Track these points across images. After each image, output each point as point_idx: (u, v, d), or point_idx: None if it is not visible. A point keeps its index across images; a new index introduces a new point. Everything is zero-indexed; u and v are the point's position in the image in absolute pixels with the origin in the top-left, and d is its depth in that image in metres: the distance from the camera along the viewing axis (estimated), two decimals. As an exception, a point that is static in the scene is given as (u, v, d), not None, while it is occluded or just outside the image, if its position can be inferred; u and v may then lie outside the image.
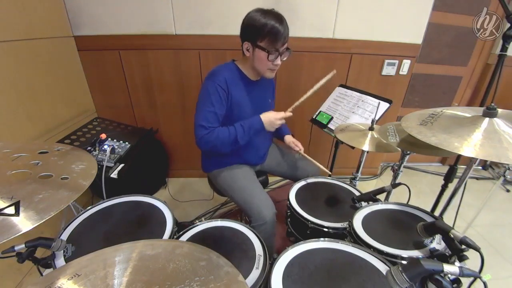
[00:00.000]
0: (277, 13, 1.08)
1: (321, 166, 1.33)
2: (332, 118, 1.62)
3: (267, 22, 1.03)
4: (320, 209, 1.16)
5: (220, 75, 1.13)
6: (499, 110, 0.80)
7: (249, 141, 1.19)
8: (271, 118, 1.17)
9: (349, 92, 1.68)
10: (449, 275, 0.62)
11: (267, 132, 1.21)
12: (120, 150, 1.62)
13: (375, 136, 1.23)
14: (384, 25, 1.89)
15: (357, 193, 1.25)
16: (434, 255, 0.80)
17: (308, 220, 1.07)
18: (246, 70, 1.21)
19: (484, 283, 0.61)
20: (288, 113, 1.19)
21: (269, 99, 1.37)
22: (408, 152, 1.19)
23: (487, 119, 0.79)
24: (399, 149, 1.16)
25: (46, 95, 1.60)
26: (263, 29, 1.04)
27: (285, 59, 1.15)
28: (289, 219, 1.23)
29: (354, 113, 1.54)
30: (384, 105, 1.43)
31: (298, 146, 1.42)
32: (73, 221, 0.96)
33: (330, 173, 1.36)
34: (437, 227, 0.78)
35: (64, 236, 0.89)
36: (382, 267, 0.77)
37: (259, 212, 1.15)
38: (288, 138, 1.48)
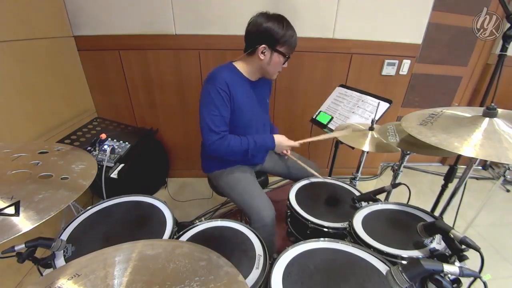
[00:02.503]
0: (289, 22, 1.13)
1: (310, 170, 1.34)
2: (332, 118, 1.62)
3: (289, 32, 1.11)
4: (320, 209, 1.16)
5: (220, 78, 1.12)
6: (499, 110, 0.80)
7: None
8: (282, 143, 1.28)
9: (349, 92, 1.67)
10: (449, 275, 0.62)
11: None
12: (120, 150, 1.62)
13: (375, 136, 1.23)
14: (384, 25, 1.89)
15: (357, 193, 1.25)
16: (434, 255, 0.80)
17: (308, 220, 1.07)
18: (245, 71, 1.21)
19: (484, 283, 0.61)
20: (297, 144, 1.31)
21: (266, 99, 1.38)
22: (408, 152, 1.19)
23: (487, 119, 0.79)
24: (399, 149, 1.16)
25: (46, 95, 1.60)
26: (284, 37, 1.10)
27: None
28: (289, 219, 1.23)
29: (354, 113, 1.54)
30: (384, 105, 1.43)
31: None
32: (73, 221, 0.96)
33: (318, 175, 1.35)
34: (437, 227, 0.78)
35: (64, 236, 0.89)
36: (382, 267, 0.77)
37: (259, 214, 1.15)
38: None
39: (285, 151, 1.38)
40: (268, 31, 1.09)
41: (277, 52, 1.13)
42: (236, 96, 1.16)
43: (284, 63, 1.18)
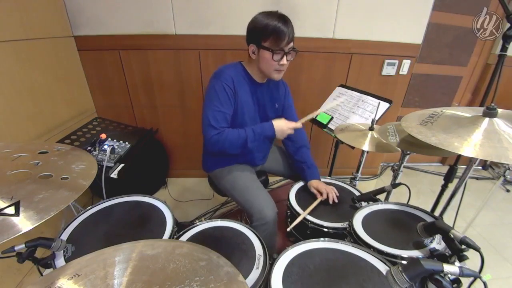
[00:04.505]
0: (280, 13, 1.09)
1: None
2: (332, 118, 1.62)
3: (270, 23, 1.04)
4: (320, 209, 1.16)
5: (227, 75, 1.13)
6: (499, 110, 0.80)
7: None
8: (282, 127, 1.16)
9: (349, 92, 1.67)
10: (449, 275, 0.62)
11: (276, 140, 1.21)
12: (120, 150, 1.62)
13: (375, 136, 1.23)
14: (384, 25, 1.89)
15: (357, 193, 1.25)
16: (434, 255, 0.80)
17: (308, 220, 1.08)
18: (252, 72, 1.20)
19: (484, 283, 0.61)
20: (299, 124, 1.20)
21: (276, 103, 1.33)
22: (408, 152, 1.19)
23: (487, 119, 0.79)
24: (399, 149, 1.16)
25: (46, 95, 1.60)
26: (266, 29, 1.05)
27: (291, 59, 1.14)
28: (289, 219, 1.23)
29: (354, 113, 1.54)
30: (384, 105, 1.43)
31: (323, 194, 1.22)
32: (73, 221, 0.96)
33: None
34: (437, 227, 0.78)
35: (64, 236, 0.89)
36: (382, 267, 0.77)
37: (261, 212, 1.14)
38: (314, 184, 1.28)
39: (316, 194, 1.25)
40: (252, 27, 1.08)
41: (262, 48, 1.08)
42: (240, 94, 1.16)
43: (277, 59, 1.09)
